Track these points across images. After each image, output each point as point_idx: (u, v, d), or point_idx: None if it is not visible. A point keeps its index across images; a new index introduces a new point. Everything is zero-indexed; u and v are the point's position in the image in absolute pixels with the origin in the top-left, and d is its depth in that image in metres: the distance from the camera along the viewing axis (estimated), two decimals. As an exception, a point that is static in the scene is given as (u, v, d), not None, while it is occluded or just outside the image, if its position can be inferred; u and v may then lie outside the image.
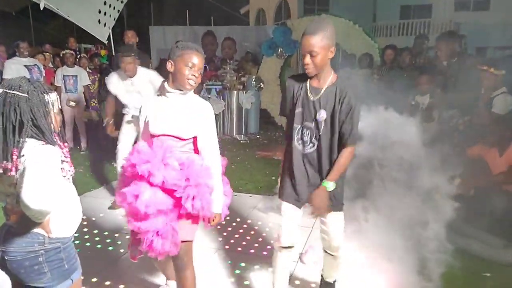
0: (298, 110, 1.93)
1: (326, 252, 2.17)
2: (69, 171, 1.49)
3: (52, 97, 1.47)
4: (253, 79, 7.49)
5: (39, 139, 1.40)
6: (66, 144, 1.52)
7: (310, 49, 1.77)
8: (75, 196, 1.58)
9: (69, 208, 1.51)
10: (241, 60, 7.96)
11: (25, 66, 5.20)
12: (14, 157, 1.36)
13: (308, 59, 1.80)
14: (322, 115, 1.87)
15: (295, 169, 1.97)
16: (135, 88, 3.64)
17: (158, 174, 1.71)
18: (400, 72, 4.99)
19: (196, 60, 1.80)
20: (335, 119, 1.86)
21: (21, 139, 1.37)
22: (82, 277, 1.62)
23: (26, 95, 1.39)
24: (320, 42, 1.76)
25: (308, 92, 1.91)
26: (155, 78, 3.64)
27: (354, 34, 7.24)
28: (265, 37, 8.34)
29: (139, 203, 1.70)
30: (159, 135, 1.86)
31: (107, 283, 2.48)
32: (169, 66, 1.83)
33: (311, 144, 1.93)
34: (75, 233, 1.56)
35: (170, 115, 1.85)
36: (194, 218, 1.85)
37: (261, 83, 7.55)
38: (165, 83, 1.88)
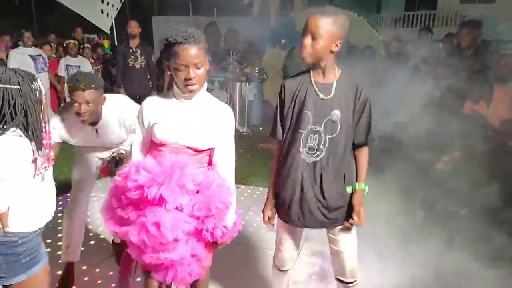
0: (306, 112, 1.63)
1: (340, 281, 1.81)
2: (44, 167, 1.43)
3: (38, 83, 1.45)
4: (256, 71, 7.46)
5: (20, 130, 1.39)
6: (49, 135, 1.47)
7: (314, 30, 1.52)
8: (47, 192, 1.53)
9: (34, 204, 1.46)
10: (244, 52, 7.92)
11: (30, 56, 5.21)
12: None
13: (307, 40, 1.55)
14: (337, 114, 1.61)
15: (299, 183, 1.67)
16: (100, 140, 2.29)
17: (173, 200, 1.43)
18: (405, 64, 4.97)
19: (188, 55, 1.42)
20: (350, 118, 1.63)
21: (5, 127, 1.36)
22: (47, 267, 1.58)
23: (18, 87, 1.38)
24: (327, 26, 1.52)
25: (316, 89, 1.62)
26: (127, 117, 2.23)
27: (358, 26, 7.19)
28: (269, 28, 8.29)
29: (164, 230, 1.40)
30: (169, 145, 1.54)
31: (111, 273, 2.52)
32: (167, 68, 1.63)
33: (318, 152, 1.64)
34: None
35: (184, 121, 1.53)
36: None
37: (264, 75, 7.53)
38: (175, 85, 1.56)
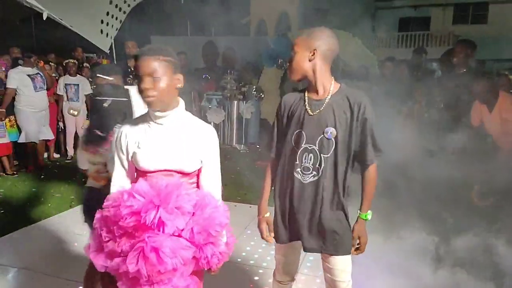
0: (299, 130, 1.59)
1: None
2: None
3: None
4: (254, 89, 7.54)
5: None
6: None
7: (291, 49, 1.60)
8: None
9: None
10: (241, 70, 8.02)
11: (28, 75, 5.25)
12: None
13: (289, 60, 1.62)
14: (331, 131, 1.54)
15: (295, 205, 1.62)
16: None
17: (172, 224, 1.33)
18: (399, 84, 5.05)
19: (143, 65, 1.36)
20: (347, 136, 1.55)
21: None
22: None
23: (126, 99, 1.79)
24: (298, 41, 1.59)
25: (307, 105, 1.58)
26: None
27: (352, 46, 7.32)
28: (266, 47, 8.42)
29: (164, 257, 1.30)
30: (153, 172, 1.43)
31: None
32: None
33: (314, 172, 1.57)
34: None
35: (166, 144, 1.43)
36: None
37: (261, 93, 7.61)
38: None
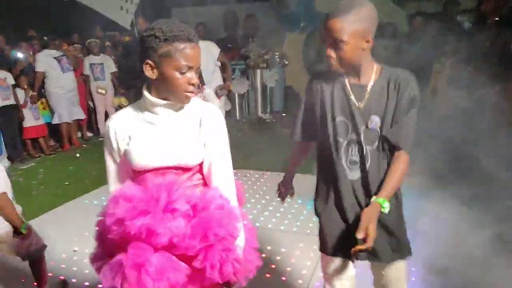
0: (339, 119, 1.36)
1: None
2: None
3: None
4: (277, 56, 7.39)
5: None
6: None
7: (334, 37, 1.26)
8: None
9: None
10: (263, 37, 7.85)
11: (54, 58, 5.37)
12: None
13: (330, 52, 1.30)
14: (376, 121, 1.33)
15: (344, 207, 1.39)
16: None
17: (164, 231, 1.08)
18: (429, 41, 4.80)
19: (192, 55, 1.14)
20: (389, 123, 1.34)
21: None
22: None
23: None
24: (350, 26, 1.24)
25: (349, 93, 1.36)
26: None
27: (379, 1, 6.95)
28: (287, 12, 8.15)
29: (145, 278, 1.07)
30: (151, 170, 1.21)
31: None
32: (149, 71, 1.15)
33: (361, 166, 1.37)
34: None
35: (165, 137, 1.21)
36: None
37: (285, 60, 7.45)
38: (147, 94, 1.21)
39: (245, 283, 1.28)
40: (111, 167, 1.30)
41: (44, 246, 2.22)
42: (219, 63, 4.33)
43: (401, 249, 1.40)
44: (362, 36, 1.26)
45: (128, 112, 1.26)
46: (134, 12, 7.11)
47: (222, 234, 1.12)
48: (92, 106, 6.35)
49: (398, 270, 1.43)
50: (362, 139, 1.35)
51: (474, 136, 3.77)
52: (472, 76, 3.71)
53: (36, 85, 5.32)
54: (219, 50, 4.26)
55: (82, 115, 5.97)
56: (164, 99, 1.19)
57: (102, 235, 1.21)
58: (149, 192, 1.13)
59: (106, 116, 6.36)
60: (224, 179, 1.24)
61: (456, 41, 4.39)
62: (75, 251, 2.79)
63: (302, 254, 2.57)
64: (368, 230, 1.26)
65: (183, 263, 1.13)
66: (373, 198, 1.33)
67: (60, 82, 5.43)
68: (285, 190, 1.78)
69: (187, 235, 1.10)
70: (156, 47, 1.12)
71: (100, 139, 6.28)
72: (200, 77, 3.75)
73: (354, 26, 1.24)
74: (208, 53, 4.01)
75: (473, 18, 4.94)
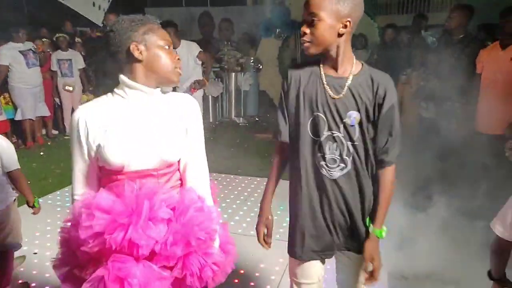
0: (317, 114, 1.27)
1: None
2: None
3: None
4: (251, 61, 7.42)
5: None
6: None
7: (311, 12, 1.18)
8: None
9: None
10: (238, 41, 7.86)
11: (20, 51, 5.14)
12: None
13: (304, 27, 1.21)
14: (355, 116, 1.25)
15: (320, 207, 1.33)
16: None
17: (147, 242, 1.04)
18: (399, 52, 4.97)
19: (166, 34, 1.18)
20: (369, 123, 1.27)
21: None
22: None
23: None
24: (325, 4, 1.16)
25: (325, 84, 1.26)
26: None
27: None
28: (263, 17, 8.22)
29: None
30: (128, 173, 1.12)
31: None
32: (137, 52, 1.11)
33: (342, 164, 1.28)
34: None
35: (146, 131, 1.14)
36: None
37: (259, 64, 7.49)
38: (127, 79, 1.14)
39: (224, 278, 1.26)
40: (78, 165, 1.16)
41: (20, 245, 2.19)
42: (199, 61, 4.66)
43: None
44: (338, 18, 1.18)
45: (99, 103, 1.16)
46: (106, 8, 6.95)
47: (204, 237, 1.10)
48: (59, 103, 6.13)
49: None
50: (341, 135, 1.26)
51: (438, 144, 3.93)
52: (437, 89, 3.88)
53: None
54: (199, 49, 4.61)
55: (46, 112, 5.73)
56: (154, 86, 1.16)
57: (68, 242, 1.13)
58: (129, 203, 1.06)
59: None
60: (203, 175, 1.23)
61: (423, 54, 4.58)
62: (35, 253, 2.67)
63: (271, 259, 2.58)
64: (373, 266, 1.29)
65: (164, 272, 1.10)
66: (371, 229, 1.31)
67: (25, 77, 5.19)
68: (268, 224, 1.51)
69: (169, 243, 1.07)
70: (136, 28, 1.12)
71: (66, 137, 6.06)
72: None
73: (331, 4, 1.16)
74: (189, 51, 4.46)
75: (440, 33, 5.17)
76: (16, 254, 2.51)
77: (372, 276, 1.32)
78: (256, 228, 1.51)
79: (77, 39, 6.34)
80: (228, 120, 7.19)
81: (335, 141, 1.27)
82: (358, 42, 5.84)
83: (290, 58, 8.33)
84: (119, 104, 1.15)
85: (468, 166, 3.37)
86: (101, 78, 5.67)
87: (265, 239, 1.51)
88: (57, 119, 6.28)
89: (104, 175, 1.15)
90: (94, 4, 6.73)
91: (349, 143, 1.27)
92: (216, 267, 1.17)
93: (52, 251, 2.67)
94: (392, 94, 1.25)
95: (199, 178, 1.22)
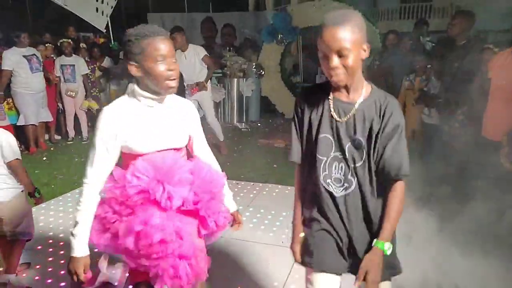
0: (322, 135, 1.36)
1: None
2: None
3: None
4: (253, 66, 7.44)
5: None
6: None
7: (340, 46, 1.22)
8: None
9: None
10: (241, 47, 7.90)
11: (24, 56, 5.16)
12: None
13: (336, 62, 1.25)
14: (360, 140, 1.33)
15: (330, 222, 1.39)
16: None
17: (177, 195, 1.39)
18: (400, 57, 4.98)
19: (165, 47, 1.35)
20: (375, 144, 1.33)
21: None
22: None
23: None
24: (352, 35, 1.22)
25: (333, 109, 1.35)
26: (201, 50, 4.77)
27: (354, 20, 7.16)
28: (265, 23, 8.26)
29: (150, 230, 1.33)
30: (145, 154, 1.44)
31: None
32: (133, 70, 1.37)
33: (346, 184, 1.36)
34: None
35: (159, 125, 1.45)
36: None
37: (261, 70, 7.51)
38: (137, 88, 1.42)
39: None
40: (102, 154, 1.39)
41: (31, 235, 2.31)
42: (205, 65, 4.97)
43: (392, 267, 1.42)
44: (360, 45, 1.26)
45: (121, 104, 1.43)
46: (109, 14, 7.00)
47: (216, 190, 1.50)
48: (62, 108, 6.15)
49: (386, 286, 1.42)
50: (347, 156, 1.34)
51: (441, 150, 3.92)
52: (439, 95, 3.88)
53: (2, 84, 5.08)
54: (205, 52, 4.94)
55: (49, 117, 5.75)
56: (153, 93, 1.42)
57: (109, 204, 1.40)
58: (160, 166, 1.39)
59: (76, 119, 6.17)
60: (209, 151, 1.70)
61: (426, 60, 4.59)
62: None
63: (274, 266, 2.57)
64: (366, 278, 1.28)
65: (190, 219, 1.45)
66: (374, 242, 1.32)
67: (28, 83, 5.21)
68: (298, 247, 1.50)
69: (199, 192, 1.44)
70: (132, 49, 1.35)
71: (69, 142, 6.08)
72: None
73: (355, 35, 1.23)
74: (195, 54, 4.83)
75: (443, 39, 5.17)
76: (22, 260, 2.52)
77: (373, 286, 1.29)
78: (292, 248, 1.52)
79: (82, 45, 6.36)
80: (230, 125, 7.21)
81: (341, 161, 1.36)
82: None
83: (292, 64, 8.37)
84: (136, 105, 1.44)
85: (471, 171, 3.36)
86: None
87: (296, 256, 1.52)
88: (60, 124, 6.30)
89: (127, 156, 1.46)
90: (97, 10, 6.78)
91: (353, 165, 1.34)
92: (227, 214, 1.56)
93: (53, 257, 2.67)
94: (398, 116, 1.31)
95: (206, 152, 1.68)
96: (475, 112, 3.48)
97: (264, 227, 3.13)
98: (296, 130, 1.45)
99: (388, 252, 1.31)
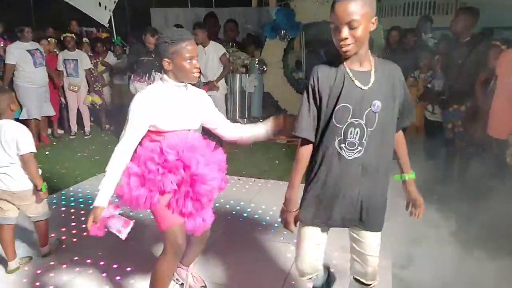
0: (344, 104, 1.47)
1: (357, 281, 1.70)
2: None
3: None
4: (256, 62, 7.42)
5: None
6: None
7: (350, 18, 1.36)
8: None
9: None
10: (243, 43, 7.86)
11: (27, 50, 5.17)
12: None
13: (346, 33, 1.37)
14: (378, 105, 1.47)
15: (336, 181, 1.53)
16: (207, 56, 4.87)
17: (196, 160, 1.78)
18: (404, 54, 4.95)
19: (192, 49, 1.75)
20: (389, 107, 1.50)
21: None
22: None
23: None
24: (361, 9, 1.36)
25: (353, 79, 1.47)
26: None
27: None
28: (268, 19, 8.22)
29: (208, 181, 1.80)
30: (169, 131, 1.79)
31: (115, 266, 2.54)
32: (166, 65, 1.75)
33: (359, 147, 1.49)
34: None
35: (184, 108, 1.82)
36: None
37: (264, 66, 7.48)
38: (166, 77, 1.81)
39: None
40: (140, 130, 1.75)
41: (49, 213, 2.62)
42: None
43: (382, 222, 1.63)
44: (369, 18, 1.40)
45: (152, 91, 1.80)
46: (112, 9, 6.99)
47: (223, 164, 1.92)
48: (64, 102, 6.16)
49: (378, 238, 1.64)
50: (364, 122, 1.47)
51: (443, 147, 3.91)
52: (443, 92, 3.86)
53: (6, 78, 5.10)
54: (223, 51, 5.19)
55: (52, 112, 5.76)
56: (180, 81, 1.82)
57: (145, 164, 1.73)
58: (184, 143, 1.77)
59: (79, 113, 6.18)
60: (228, 121, 2.08)
61: (429, 57, 4.56)
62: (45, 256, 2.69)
63: (275, 262, 2.58)
64: (416, 203, 1.67)
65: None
66: (406, 177, 1.66)
67: (31, 77, 5.22)
68: (292, 219, 1.67)
69: (203, 166, 1.78)
70: (168, 49, 1.73)
71: (71, 137, 6.09)
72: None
73: (365, 8, 1.37)
74: (215, 51, 5.07)
75: (443, 36, 5.13)
76: (24, 254, 2.55)
77: (418, 212, 1.67)
78: (286, 219, 1.68)
79: (85, 39, 6.36)
80: (232, 121, 7.19)
81: (357, 127, 1.48)
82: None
83: (294, 60, 8.33)
84: (165, 90, 1.81)
85: (474, 170, 3.35)
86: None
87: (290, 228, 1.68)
88: (62, 119, 6.32)
89: (153, 133, 1.79)
90: (100, 5, 6.77)
91: (369, 129, 1.48)
92: (227, 179, 1.96)
93: (57, 252, 2.69)
94: (401, 75, 1.55)
95: (227, 122, 2.06)
96: (479, 109, 3.46)
97: (265, 223, 3.14)
98: (309, 104, 1.52)
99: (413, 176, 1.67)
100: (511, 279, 2.25)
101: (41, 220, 2.54)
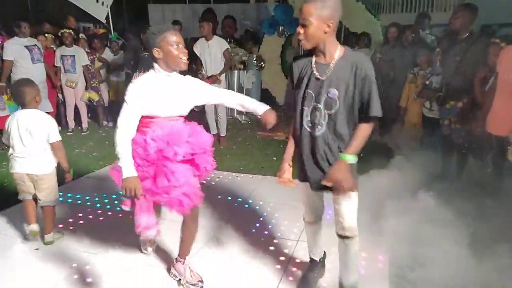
0: (308, 91, 1.84)
1: (339, 236, 1.98)
2: None
3: None
4: (254, 58, 7.41)
5: None
6: None
7: (304, 17, 1.70)
8: None
9: None
10: (241, 39, 7.85)
11: (25, 46, 5.14)
12: None
13: (299, 29, 1.73)
14: (334, 93, 1.77)
15: (306, 155, 1.91)
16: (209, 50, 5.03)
17: (182, 152, 1.97)
18: (402, 51, 4.95)
19: (177, 36, 1.94)
20: (349, 95, 1.76)
21: None
22: None
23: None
24: (315, 11, 1.67)
25: (315, 70, 1.81)
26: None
27: (356, 12, 7.10)
28: (266, 15, 8.20)
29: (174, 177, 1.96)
30: (163, 117, 1.99)
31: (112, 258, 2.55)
32: (156, 53, 1.93)
33: (319, 126, 1.83)
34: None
35: (174, 95, 2.00)
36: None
37: (262, 63, 7.47)
38: (158, 67, 1.99)
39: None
40: (135, 114, 1.94)
41: (58, 201, 2.84)
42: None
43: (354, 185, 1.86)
44: (323, 20, 1.68)
45: (145, 80, 1.98)
46: (110, 5, 6.95)
47: (208, 147, 2.09)
48: (62, 99, 6.14)
49: (349, 198, 1.88)
50: (322, 106, 1.81)
51: (442, 144, 3.91)
52: (442, 89, 3.86)
53: (4, 74, 5.07)
54: (227, 46, 5.19)
55: (49, 108, 5.71)
56: (171, 70, 2.00)
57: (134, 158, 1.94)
58: (170, 133, 1.97)
59: (76, 109, 6.16)
60: (220, 90, 2.27)
61: (427, 53, 4.56)
62: (37, 249, 2.69)
63: (272, 258, 2.59)
64: (342, 180, 1.75)
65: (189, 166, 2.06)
66: (341, 156, 1.80)
67: (29, 73, 5.16)
68: (286, 167, 2.02)
69: (196, 148, 2.02)
70: (155, 39, 1.92)
71: (69, 133, 6.07)
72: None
73: (319, 11, 1.67)
74: (219, 46, 5.11)
75: (442, 33, 5.13)
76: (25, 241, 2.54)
77: (342, 188, 1.78)
78: (281, 169, 2.04)
79: (81, 35, 6.32)
80: (230, 117, 7.19)
81: (317, 110, 1.82)
82: (361, 41, 5.81)
83: (292, 56, 8.32)
84: (157, 79, 1.99)
85: (471, 167, 3.36)
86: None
87: (283, 180, 2.03)
88: (60, 115, 6.29)
89: (145, 118, 1.97)
90: (97, 1, 6.73)
91: (327, 111, 1.81)
92: (213, 164, 2.13)
93: (56, 248, 2.69)
94: (367, 68, 1.72)
95: (220, 92, 2.23)
96: (476, 106, 3.46)
97: (263, 219, 3.15)
98: (290, 86, 1.96)
99: (353, 161, 1.79)
100: (510, 278, 2.26)
101: (49, 206, 2.72)
